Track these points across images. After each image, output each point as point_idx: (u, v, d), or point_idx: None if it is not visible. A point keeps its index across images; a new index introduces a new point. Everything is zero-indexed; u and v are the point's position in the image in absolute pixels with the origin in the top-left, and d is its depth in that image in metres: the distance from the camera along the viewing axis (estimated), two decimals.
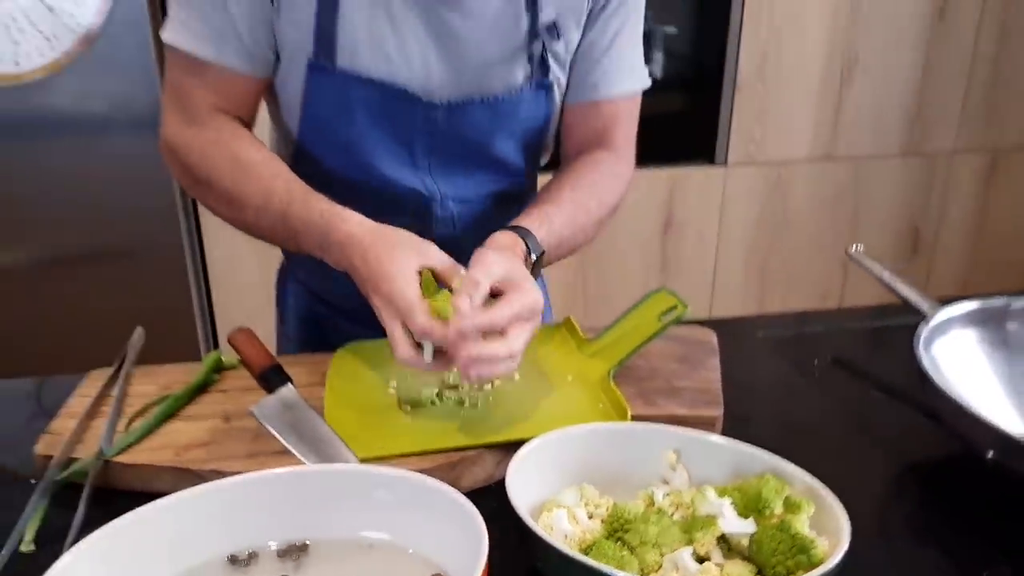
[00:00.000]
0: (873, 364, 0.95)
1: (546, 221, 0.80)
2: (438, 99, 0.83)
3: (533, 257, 0.77)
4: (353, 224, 0.72)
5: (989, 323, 0.78)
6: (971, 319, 0.78)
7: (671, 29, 2.05)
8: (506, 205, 0.91)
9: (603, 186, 0.89)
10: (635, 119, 0.95)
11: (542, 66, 0.85)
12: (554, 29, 0.84)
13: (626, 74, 0.91)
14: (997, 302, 0.79)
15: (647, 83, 0.93)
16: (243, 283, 1.90)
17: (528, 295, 0.68)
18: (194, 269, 1.85)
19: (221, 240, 1.87)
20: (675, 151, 2.12)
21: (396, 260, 0.68)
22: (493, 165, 0.90)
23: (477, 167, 0.88)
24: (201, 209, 1.84)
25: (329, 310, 0.99)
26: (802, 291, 2.29)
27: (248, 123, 0.85)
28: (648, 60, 2.00)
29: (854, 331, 1.05)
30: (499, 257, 0.70)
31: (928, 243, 2.33)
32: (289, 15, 0.78)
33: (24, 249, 1.73)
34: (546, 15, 0.83)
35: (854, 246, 1.02)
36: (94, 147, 1.67)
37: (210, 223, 1.85)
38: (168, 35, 0.80)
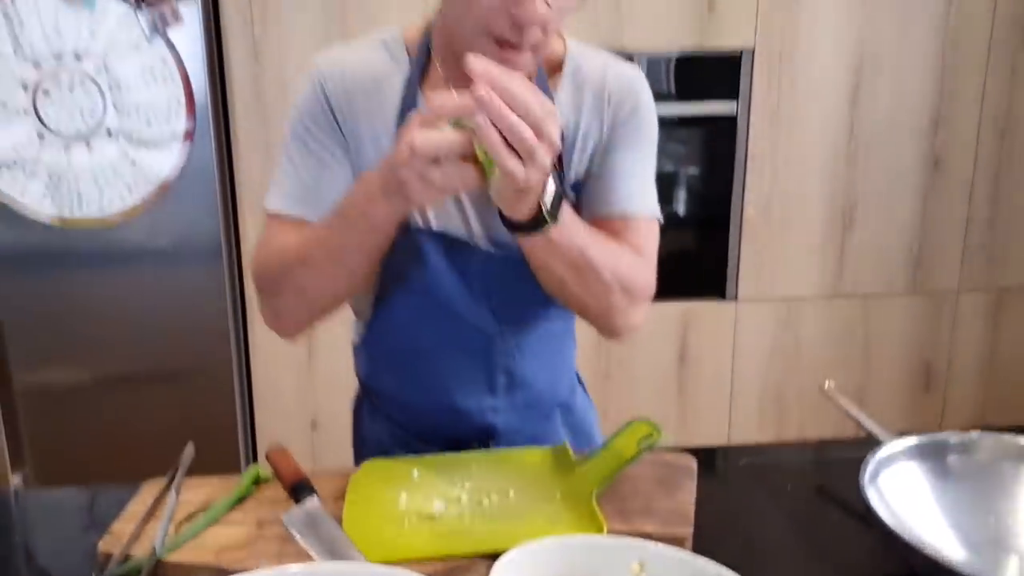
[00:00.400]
0: (841, 491, 1.03)
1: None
2: (484, 246, 0.97)
3: (551, 189, 0.80)
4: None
5: (931, 456, 0.88)
6: (915, 452, 0.88)
7: (692, 170, 2.24)
8: (560, 335, 1.07)
9: (627, 257, 0.95)
10: (655, 242, 1.01)
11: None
12: (589, 180, 0.98)
13: (638, 198, 0.99)
14: (939, 437, 0.89)
15: (657, 213, 1.01)
16: (282, 405, 2.05)
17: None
18: (240, 390, 2.01)
19: (267, 364, 2.03)
20: (688, 286, 2.26)
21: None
22: (539, 312, 1.03)
23: (528, 315, 1.01)
24: (250, 336, 2.01)
25: (405, 432, 1.08)
26: (819, 421, 2.35)
27: None
28: (671, 199, 2.19)
29: (831, 461, 1.14)
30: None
31: (940, 378, 2.40)
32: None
33: (89, 367, 1.91)
34: (579, 167, 0.97)
35: (827, 383, 1.13)
36: (160, 277, 1.88)
37: (258, 349, 2.02)
38: (273, 203, 0.97)
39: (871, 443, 0.90)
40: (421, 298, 0.98)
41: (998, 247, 2.32)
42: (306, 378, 2.05)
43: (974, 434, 0.88)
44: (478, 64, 0.70)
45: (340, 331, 2.00)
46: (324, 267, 0.89)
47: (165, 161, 1.79)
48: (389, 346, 1.05)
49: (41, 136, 1.73)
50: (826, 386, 1.12)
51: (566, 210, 0.84)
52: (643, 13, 2.05)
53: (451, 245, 0.96)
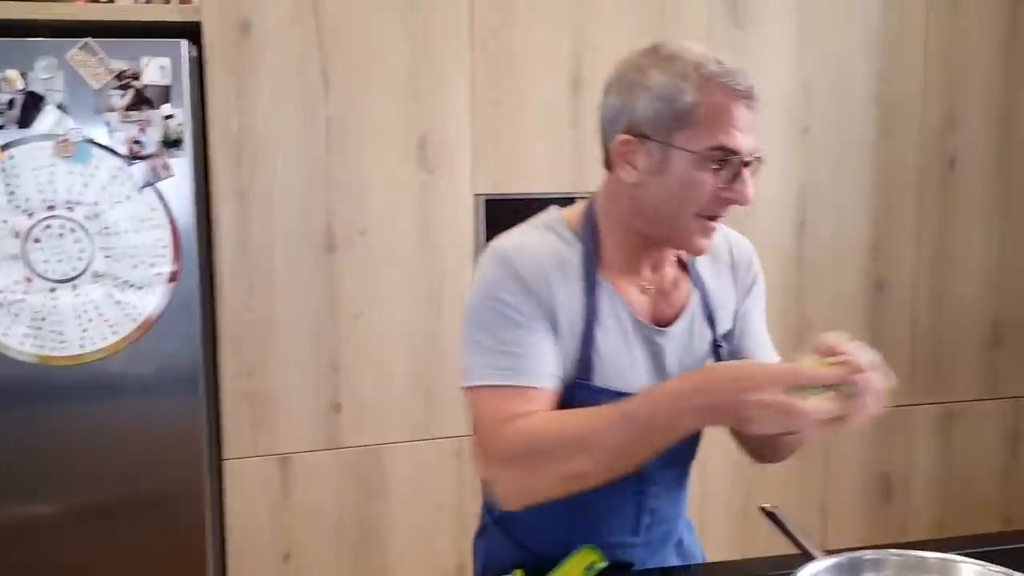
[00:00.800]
0: None
1: None
2: None
3: None
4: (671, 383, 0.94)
5: (848, 574, 0.95)
6: (834, 570, 0.95)
7: None
8: (683, 493, 1.20)
9: None
10: None
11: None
12: (730, 335, 1.14)
13: (769, 343, 1.19)
14: (855, 555, 0.97)
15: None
16: (255, 536, 2.07)
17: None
18: (212, 522, 2.03)
19: (241, 496, 2.07)
20: None
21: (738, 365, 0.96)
22: (684, 449, 1.13)
23: (676, 453, 1.05)
24: (224, 468, 2.06)
25: (529, 553, 1.12)
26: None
27: None
28: None
29: None
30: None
31: (900, 490, 2.47)
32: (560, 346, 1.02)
33: (64, 500, 1.92)
34: (723, 325, 1.13)
35: (767, 505, 1.21)
36: (136, 409, 1.92)
37: (232, 480, 2.06)
38: (491, 379, 0.99)
39: (805, 559, 0.98)
40: None
41: (943, 364, 2.45)
42: (280, 510, 2.08)
43: (885, 552, 0.96)
44: (849, 347, 0.87)
45: (315, 460, 2.07)
46: (606, 461, 0.92)
47: (149, 301, 1.88)
48: None
49: (29, 279, 1.82)
50: (765, 506, 1.20)
51: None
52: None
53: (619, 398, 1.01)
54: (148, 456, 1.95)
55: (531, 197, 2.14)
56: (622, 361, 1.05)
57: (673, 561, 1.20)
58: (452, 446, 2.18)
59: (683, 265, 1.14)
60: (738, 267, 1.17)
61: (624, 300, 1.06)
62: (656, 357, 1.08)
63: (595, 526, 1.10)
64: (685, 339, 1.10)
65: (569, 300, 1.02)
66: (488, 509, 1.21)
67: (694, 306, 1.11)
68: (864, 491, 2.45)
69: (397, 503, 2.16)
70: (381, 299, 2.10)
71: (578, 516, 1.08)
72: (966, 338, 2.46)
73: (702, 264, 1.14)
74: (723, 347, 1.14)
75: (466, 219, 2.14)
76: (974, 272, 2.45)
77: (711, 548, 2.38)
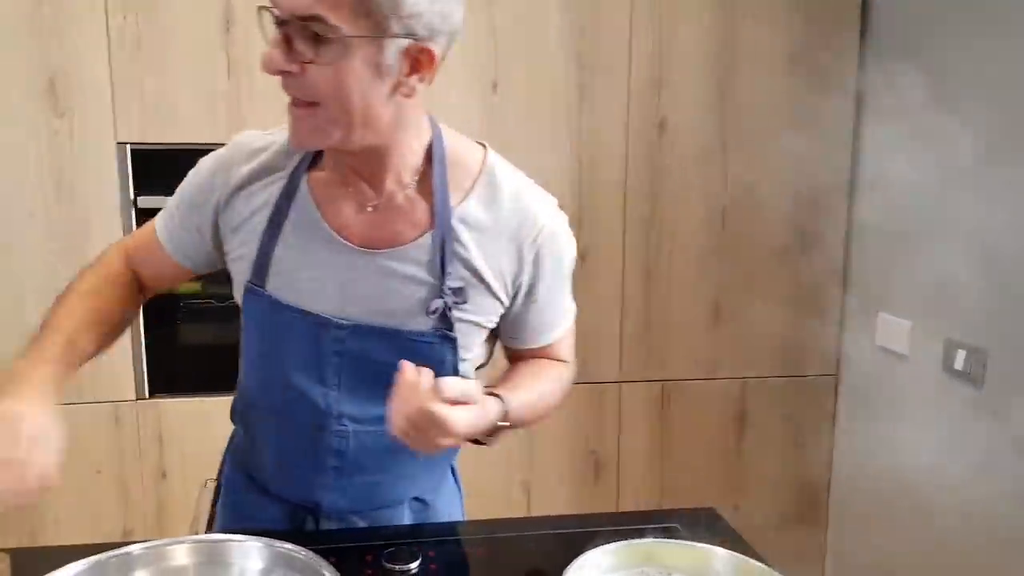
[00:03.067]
0: None
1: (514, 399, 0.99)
2: (346, 322, 1.01)
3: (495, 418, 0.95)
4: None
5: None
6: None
7: None
8: (403, 451, 1.06)
9: (561, 372, 1.14)
10: (573, 335, 1.16)
11: (444, 320, 1.01)
12: (462, 292, 1.01)
13: (560, 317, 1.12)
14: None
15: (575, 310, 1.14)
16: None
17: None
18: None
19: None
20: None
21: None
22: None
23: (382, 394, 0.97)
24: None
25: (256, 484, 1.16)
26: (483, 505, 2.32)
27: (144, 284, 1.15)
28: None
29: None
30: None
31: (611, 467, 2.39)
32: (240, 250, 1.04)
33: None
34: (454, 281, 1.00)
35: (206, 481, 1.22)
36: None
37: None
38: (158, 221, 1.12)
39: None
40: (267, 359, 1.07)
41: (654, 343, 2.34)
42: None
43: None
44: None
45: None
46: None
47: None
48: (243, 403, 1.15)
49: None
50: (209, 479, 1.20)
51: (511, 401, 0.97)
52: None
53: (315, 322, 1.02)
54: None
55: (184, 147, 1.98)
56: (302, 276, 1.01)
57: (398, 519, 1.15)
58: (108, 410, 2.09)
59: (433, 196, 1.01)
60: (522, 236, 1.02)
61: (322, 212, 1.01)
62: (351, 282, 1.01)
63: (280, 449, 1.11)
64: (392, 270, 1.00)
65: (261, 198, 1.02)
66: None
67: (424, 242, 1.00)
68: (574, 468, 2.36)
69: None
70: (12, 254, 1.98)
71: (268, 437, 1.12)
72: (682, 316, 2.34)
73: (474, 210, 1.01)
74: (449, 302, 1.01)
75: (108, 169, 1.99)
76: (691, 245, 2.31)
77: None
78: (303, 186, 1.02)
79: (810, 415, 2.45)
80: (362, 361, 1.02)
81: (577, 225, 2.22)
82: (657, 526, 1.07)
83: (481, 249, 1.01)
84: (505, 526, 1.20)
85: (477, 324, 1.05)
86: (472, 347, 1.07)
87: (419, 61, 0.89)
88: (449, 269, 1.00)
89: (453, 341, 1.02)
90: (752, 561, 0.95)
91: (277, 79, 0.89)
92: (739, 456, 2.44)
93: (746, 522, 2.40)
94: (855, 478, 2.39)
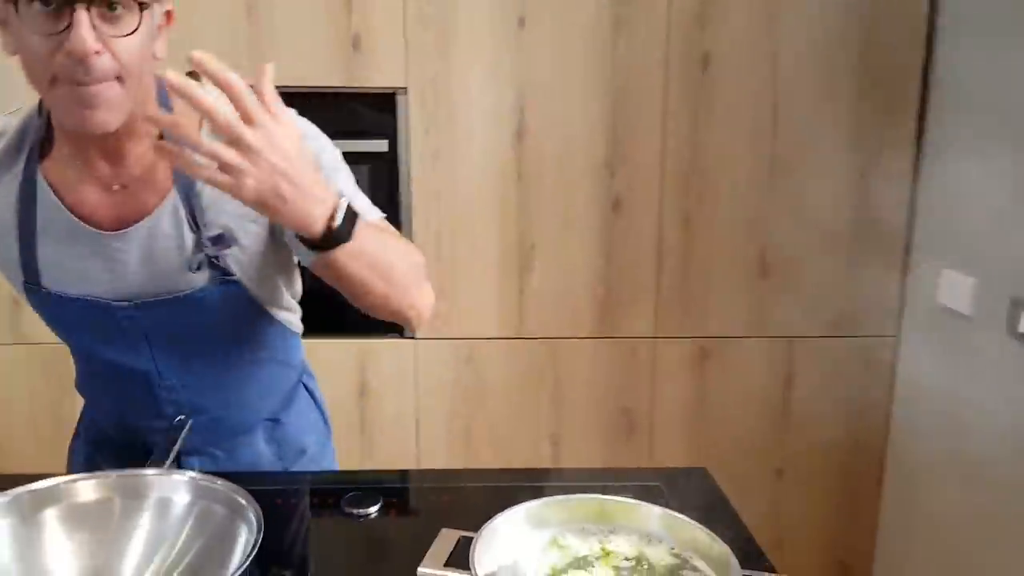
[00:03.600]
0: None
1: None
2: (127, 302, 1.01)
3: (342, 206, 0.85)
4: None
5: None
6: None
7: None
8: (238, 386, 1.13)
9: (402, 242, 1.00)
10: (399, 235, 1.04)
11: (216, 269, 1.01)
12: (223, 239, 1.00)
13: (366, 206, 1.02)
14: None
15: (381, 213, 1.04)
16: None
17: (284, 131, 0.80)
18: None
19: None
20: (368, 324, 2.20)
21: None
22: (208, 350, 1.08)
23: (193, 353, 1.06)
24: None
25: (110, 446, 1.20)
26: (509, 456, 2.28)
27: None
28: None
29: None
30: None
31: (644, 424, 2.28)
32: (4, 254, 1.02)
33: None
34: (211, 230, 0.99)
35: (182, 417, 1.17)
36: None
37: None
38: None
39: None
40: (79, 341, 1.11)
41: (694, 297, 2.19)
42: None
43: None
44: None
45: None
46: None
47: None
48: (80, 377, 1.18)
49: None
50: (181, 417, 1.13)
51: (358, 222, 0.87)
52: (287, 49, 2.01)
53: (101, 307, 1.02)
54: None
55: None
56: (69, 268, 0.99)
57: (259, 448, 1.18)
58: None
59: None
60: None
61: (66, 204, 0.97)
62: (114, 264, 0.99)
63: (121, 413, 1.15)
64: (147, 243, 0.99)
65: (5, 195, 0.98)
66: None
67: (169, 205, 0.98)
68: (605, 424, 2.27)
69: None
70: None
71: (108, 406, 1.17)
72: (724, 269, 2.19)
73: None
74: (211, 252, 0.99)
75: None
76: (735, 192, 2.14)
77: (431, 456, 2.28)
78: (40, 182, 0.98)
79: (864, 379, 2.27)
80: (164, 330, 1.03)
81: (610, 170, 2.11)
82: (634, 484, 1.03)
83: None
84: (468, 476, 1.21)
85: (260, 255, 1.02)
86: (272, 279, 1.06)
87: (166, 21, 0.92)
88: (205, 220, 0.98)
89: (238, 283, 1.02)
90: (682, 517, 0.85)
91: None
92: (785, 420, 2.29)
93: (788, 489, 2.29)
94: (912, 446, 2.21)
